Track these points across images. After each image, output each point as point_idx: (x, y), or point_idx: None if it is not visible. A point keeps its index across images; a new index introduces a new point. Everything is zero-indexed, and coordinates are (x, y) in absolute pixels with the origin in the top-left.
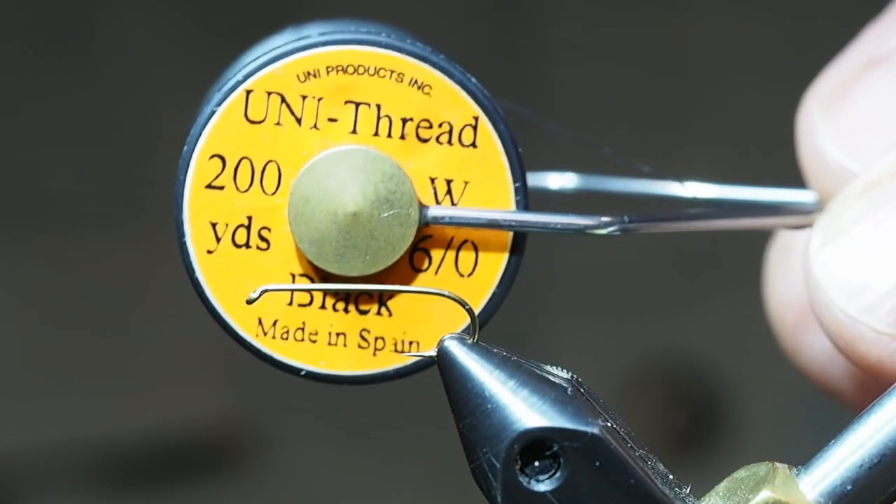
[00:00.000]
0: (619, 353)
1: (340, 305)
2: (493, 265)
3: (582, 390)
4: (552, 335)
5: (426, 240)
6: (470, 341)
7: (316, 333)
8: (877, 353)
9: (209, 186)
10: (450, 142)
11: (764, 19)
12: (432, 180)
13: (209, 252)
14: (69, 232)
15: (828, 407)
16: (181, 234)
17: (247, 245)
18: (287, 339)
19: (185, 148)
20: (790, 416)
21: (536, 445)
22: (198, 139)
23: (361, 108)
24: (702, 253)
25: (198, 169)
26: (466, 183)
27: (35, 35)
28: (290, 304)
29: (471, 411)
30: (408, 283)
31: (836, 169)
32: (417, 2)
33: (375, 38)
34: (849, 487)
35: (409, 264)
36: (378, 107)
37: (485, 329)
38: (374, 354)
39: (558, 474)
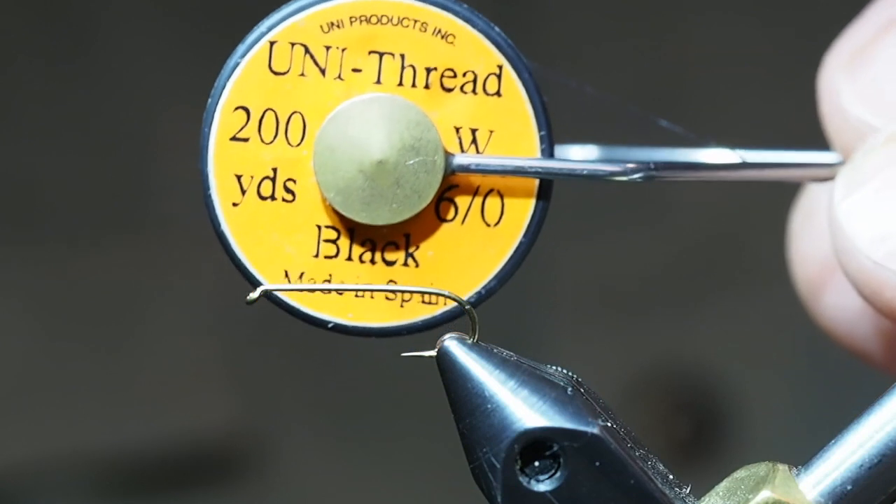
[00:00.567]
0: (621, 362)
1: (367, 256)
2: (520, 214)
3: (582, 390)
4: (555, 343)
5: (452, 189)
6: (470, 341)
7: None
8: None
9: (234, 139)
10: (474, 91)
11: (764, 25)
12: (457, 129)
13: (234, 205)
14: (72, 242)
15: (831, 417)
16: (206, 187)
17: (272, 197)
18: (314, 291)
19: (210, 100)
20: (793, 426)
21: (536, 445)
22: (222, 91)
23: (385, 57)
24: (704, 261)
25: (222, 121)
26: (491, 132)
27: (35, 44)
28: (317, 256)
29: (471, 411)
30: (433, 231)
31: (858, 126)
32: None
33: None
34: (849, 487)
35: (436, 214)
36: (402, 56)
37: (485, 331)
38: (402, 306)
39: (558, 474)
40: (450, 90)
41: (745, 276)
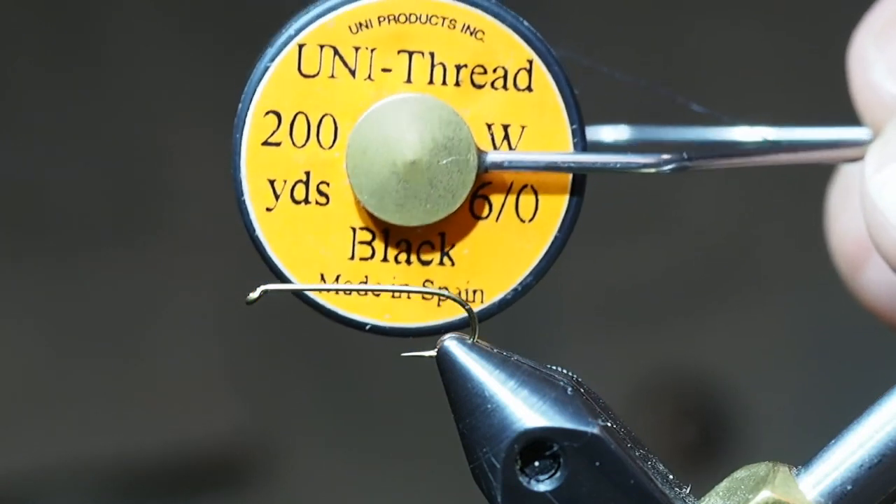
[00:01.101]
0: (627, 368)
1: (402, 257)
2: (554, 209)
3: (582, 390)
4: (560, 349)
5: (486, 186)
6: (470, 341)
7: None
8: None
9: (266, 143)
10: (505, 86)
11: (764, 28)
12: (489, 126)
13: (268, 210)
14: (77, 250)
15: (836, 423)
16: (239, 193)
17: (306, 201)
18: (350, 293)
19: (240, 105)
20: (798, 431)
21: (536, 445)
22: (252, 96)
23: (415, 56)
24: (710, 268)
25: (253, 126)
26: (523, 127)
27: (42, 51)
28: (352, 258)
29: (471, 411)
30: (468, 229)
31: (889, 100)
32: None
33: None
34: (849, 487)
35: (470, 212)
36: (431, 54)
37: (491, 337)
38: (439, 305)
39: (558, 474)
40: (480, 87)
41: (750, 282)
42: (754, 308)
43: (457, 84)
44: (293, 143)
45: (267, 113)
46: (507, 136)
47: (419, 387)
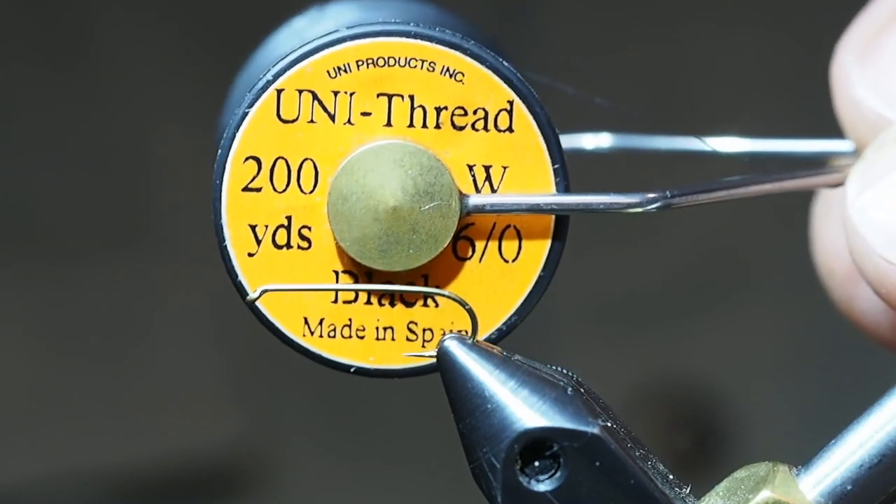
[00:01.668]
0: (621, 376)
1: (386, 299)
2: (538, 249)
3: (582, 390)
4: (554, 357)
5: (469, 227)
6: (470, 341)
7: (363, 329)
8: None
9: (246, 189)
10: (486, 128)
11: (764, 35)
12: (470, 168)
13: (250, 255)
14: (71, 259)
15: (830, 431)
16: (221, 239)
17: (288, 245)
18: (334, 336)
19: (220, 152)
20: (793, 439)
21: (536, 445)
22: (231, 142)
23: (395, 99)
24: (705, 275)
25: (233, 172)
26: (505, 168)
27: (31, 59)
28: (336, 301)
29: (471, 411)
30: (454, 273)
31: (872, 117)
32: None
33: (405, 28)
34: (849, 487)
35: (453, 254)
36: (411, 97)
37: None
38: (423, 346)
39: (558, 474)
40: (461, 128)
41: (745, 290)
42: (750, 315)
43: (437, 126)
44: (274, 188)
45: (246, 159)
46: (488, 177)
47: (419, 397)
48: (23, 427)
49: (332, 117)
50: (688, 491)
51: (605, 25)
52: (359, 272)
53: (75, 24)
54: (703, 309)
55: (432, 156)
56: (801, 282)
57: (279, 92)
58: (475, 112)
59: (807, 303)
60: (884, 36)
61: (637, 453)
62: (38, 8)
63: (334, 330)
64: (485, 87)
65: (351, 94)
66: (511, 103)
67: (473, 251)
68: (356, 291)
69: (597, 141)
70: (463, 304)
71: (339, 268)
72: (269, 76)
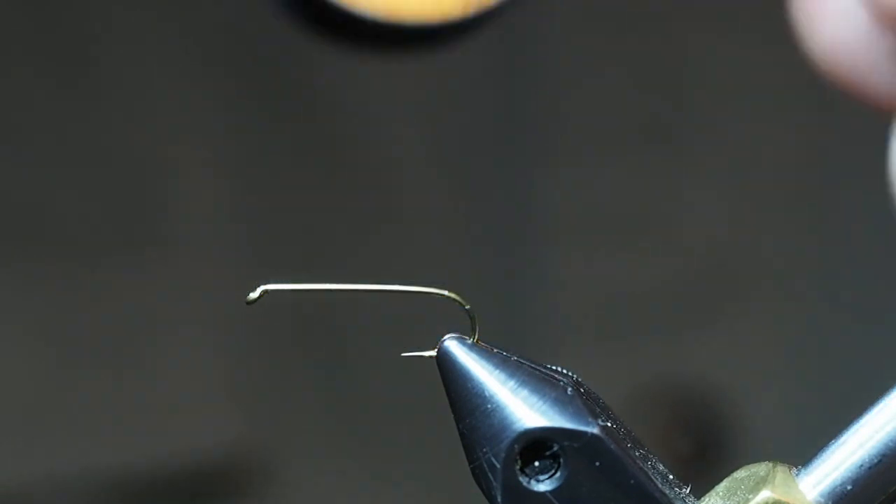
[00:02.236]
0: (621, 380)
1: None
2: None
3: (582, 390)
4: (554, 360)
5: None
6: (470, 341)
7: None
8: None
9: None
10: None
11: (763, 43)
12: None
13: None
14: (76, 263)
15: (831, 434)
16: None
17: None
18: None
19: None
20: (794, 442)
21: (536, 445)
22: None
23: None
24: (704, 279)
25: None
26: None
27: (41, 64)
28: None
29: (470, 411)
30: None
31: None
32: None
33: None
34: (849, 487)
35: None
36: None
37: (484, 338)
38: None
39: (558, 474)
40: None
41: (745, 293)
42: (750, 319)
43: None
44: None
45: None
46: None
47: (420, 398)
48: (24, 428)
49: None
50: (688, 491)
51: (603, 33)
52: None
53: (86, 29)
54: (702, 313)
55: None
56: (801, 285)
57: None
58: None
59: (806, 308)
60: None
61: (637, 453)
62: (50, 13)
63: None
64: None
65: None
66: None
67: None
68: (352, 290)
69: None
70: (463, 304)
71: None
72: None
